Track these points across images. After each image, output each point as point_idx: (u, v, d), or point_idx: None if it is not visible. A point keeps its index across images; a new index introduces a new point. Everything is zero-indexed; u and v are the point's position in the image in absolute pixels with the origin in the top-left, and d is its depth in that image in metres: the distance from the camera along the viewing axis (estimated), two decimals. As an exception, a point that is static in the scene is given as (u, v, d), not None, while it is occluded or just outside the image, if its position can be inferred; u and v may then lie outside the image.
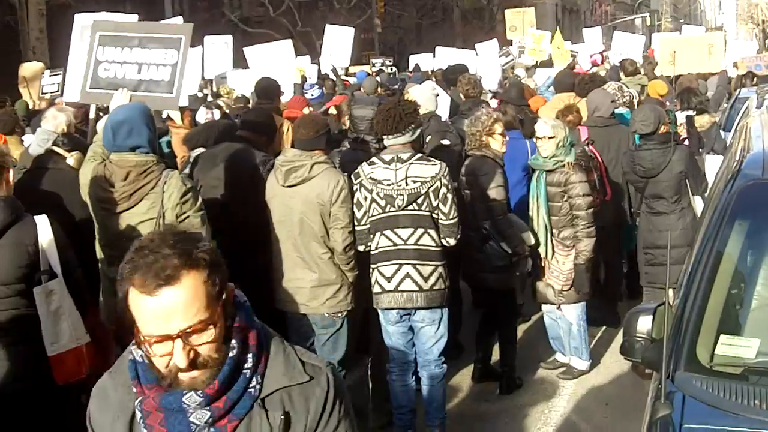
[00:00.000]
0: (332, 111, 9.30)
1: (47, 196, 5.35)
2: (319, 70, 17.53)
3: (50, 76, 12.92)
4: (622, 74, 13.43)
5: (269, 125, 6.31)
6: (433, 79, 14.11)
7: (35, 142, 5.94)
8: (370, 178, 5.41)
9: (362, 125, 6.35)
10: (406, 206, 5.35)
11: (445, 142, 7.38)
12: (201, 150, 6.52)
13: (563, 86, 10.35)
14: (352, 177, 5.50)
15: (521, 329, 7.39)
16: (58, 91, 11.79)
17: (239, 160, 5.81)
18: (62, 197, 5.42)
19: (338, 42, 18.31)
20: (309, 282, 5.52)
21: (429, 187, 5.33)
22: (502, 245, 6.26)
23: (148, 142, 4.80)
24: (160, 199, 4.69)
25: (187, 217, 4.71)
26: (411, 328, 5.58)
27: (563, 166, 6.60)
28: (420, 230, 5.36)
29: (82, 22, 8.32)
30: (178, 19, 14.23)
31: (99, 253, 5.02)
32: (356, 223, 5.48)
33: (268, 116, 6.52)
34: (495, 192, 6.30)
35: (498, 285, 6.49)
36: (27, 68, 13.76)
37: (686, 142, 8.61)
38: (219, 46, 15.38)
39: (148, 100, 6.14)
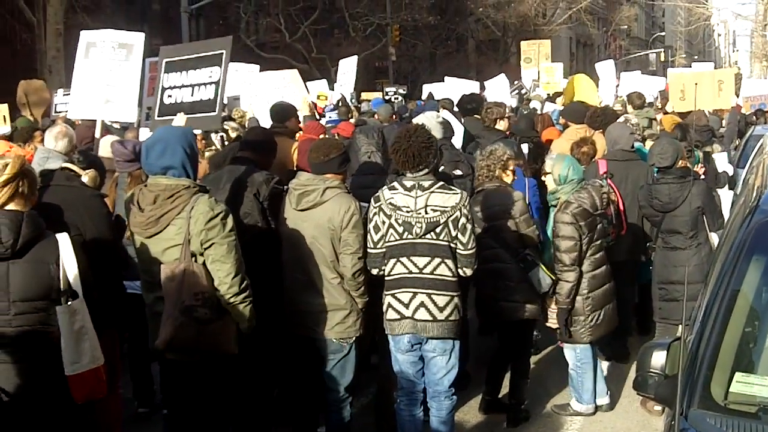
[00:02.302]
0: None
1: (59, 214, 5.32)
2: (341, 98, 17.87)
3: (64, 95, 13.00)
4: (629, 107, 13.42)
5: (269, 144, 6.29)
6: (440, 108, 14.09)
7: (35, 161, 5.94)
8: (390, 203, 5.36)
9: (363, 146, 6.34)
10: (424, 234, 5.30)
11: (458, 172, 7.36)
12: None
13: (574, 117, 10.29)
14: (372, 200, 5.46)
15: (532, 361, 7.31)
16: (71, 110, 11.85)
17: (242, 182, 5.78)
18: (74, 215, 5.39)
19: (347, 71, 18.82)
20: (318, 306, 5.48)
21: (449, 217, 5.28)
22: (546, 272, 6.28)
23: (182, 164, 4.67)
24: (186, 224, 4.58)
25: (213, 243, 4.58)
26: (421, 358, 5.51)
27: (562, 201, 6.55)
28: (437, 260, 5.31)
29: (88, 39, 8.40)
30: None
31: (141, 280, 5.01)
32: (372, 247, 5.43)
33: (267, 135, 6.50)
34: (527, 219, 6.37)
35: (529, 315, 6.44)
36: (27, 86, 13.77)
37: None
38: (243, 73, 15.35)
39: (196, 122, 6.18)
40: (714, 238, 6.89)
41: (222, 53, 6.44)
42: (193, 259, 4.58)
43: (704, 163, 9.18)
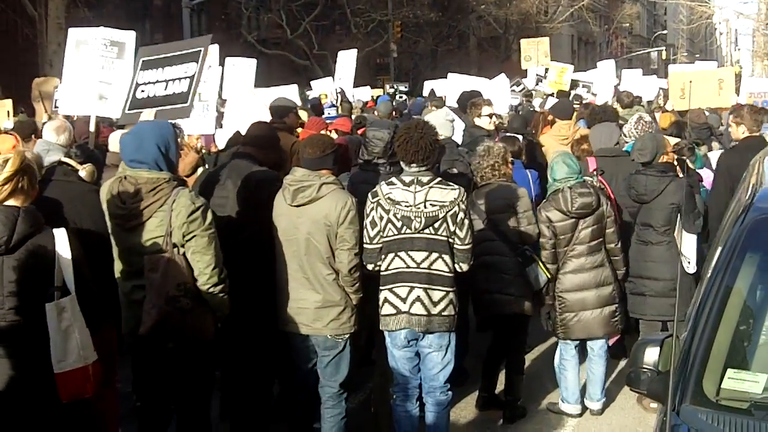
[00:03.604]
0: (333, 134, 9.30)
1: (57, 209, 5.33)
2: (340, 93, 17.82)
3: (65, 90, 12.97)
4: (618, 106, 13.46)
5: (271, 139, 6.30)
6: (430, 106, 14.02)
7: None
8: (388, 198, 5.37)
9: (376, 148, 6.37)
10: (423, 229, 5.32)
11: (454, 170, 7.36)
12: None
13: (561, 113, 10.35)
14: (369, 195, 5.47)
15: (527, 358, 7.33)
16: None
17: (243, 177, 5.80)
18: (71, 210, 5.40)
19: (345, 65, 18.68)
20: (313, 303, 5.49)
21: (447, 212, 5.30)
22: (543, 269, 6.35)
23: (154, 161, 4.76)
24: (168, 216, 4.68)
25: (194, 236, 4.71)
26: (417, 354, 5.52)
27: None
28: (434, 254, 5.33)
29: (78, 37, 8.40)
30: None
31: (117, 268, 5.03)
32: (368, 242, 5.44)
33: (269, 130, 6.51)
34: (529, 216, 6.45)
35: (522, 310, 6.47)
36: (42, 83, 13.82)
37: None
38: (241, 67, 15.29)
39: (165, 113, 6.24)
40: (686, 238, 6.86)
41: (200, 50, 6.52)
42: (175, 250, 4.69)
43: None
